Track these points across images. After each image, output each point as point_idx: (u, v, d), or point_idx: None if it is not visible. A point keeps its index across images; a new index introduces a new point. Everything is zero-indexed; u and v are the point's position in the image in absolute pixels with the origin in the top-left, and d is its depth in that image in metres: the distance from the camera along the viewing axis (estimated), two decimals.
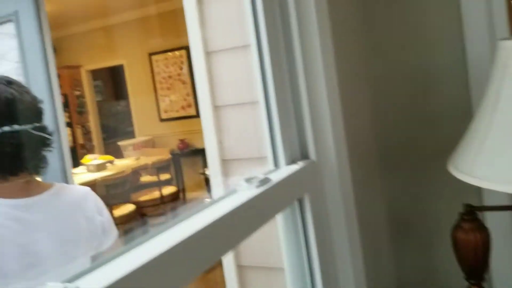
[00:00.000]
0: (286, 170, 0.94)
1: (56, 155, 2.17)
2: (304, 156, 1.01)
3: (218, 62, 1.57)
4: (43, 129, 1.15)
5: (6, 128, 1.05)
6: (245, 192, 0.81)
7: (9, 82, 1.12)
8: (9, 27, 2.20)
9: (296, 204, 0.96)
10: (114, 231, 1.28)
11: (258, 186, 0.82)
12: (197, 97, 5.78)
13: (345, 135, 1.05)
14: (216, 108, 1.61)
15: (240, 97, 1.50)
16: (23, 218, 1.07)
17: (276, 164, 0.98)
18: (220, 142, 1.62)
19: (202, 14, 1.57)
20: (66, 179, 2.25)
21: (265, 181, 0.84)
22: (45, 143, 1.15)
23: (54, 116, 2.19)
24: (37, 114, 1.16)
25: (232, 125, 1.58)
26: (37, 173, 1.16)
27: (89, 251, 1.20)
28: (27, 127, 1.09)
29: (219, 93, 1.59)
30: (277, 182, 0.86)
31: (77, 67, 7.20)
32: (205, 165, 6.34)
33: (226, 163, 1.62)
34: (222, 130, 1.61)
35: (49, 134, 1.17)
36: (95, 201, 1.25)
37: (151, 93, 6.71)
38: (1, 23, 2.24)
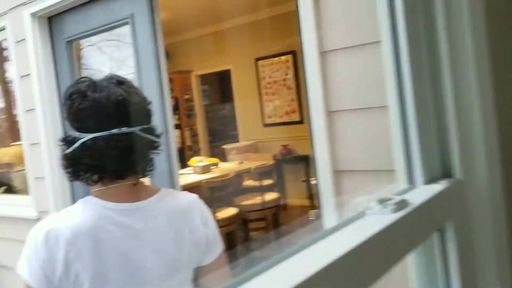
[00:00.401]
0: (425, 191, 0.76)
1: (164, 156, 2.19)
2: (446, 173, 0.83)
3: (335, 63, 1.42)
4: (151, 131, 1.11)
5: (115, 130, 1.02)
6: (378, 217, 0.65)
7: (119, 82, 1.08)
8: (127, 34, 2.26)
9: (435, 235, 0.78)
10: (219, 245, 1.19)
11: (394, 211, 0.66)
12: (301, 103, 5.65)
13: (499, 148, 0.84)
14: (329, 113, 1.46)
15: (361, 101, 1.34)
16: (126, 223, 1.04)
17: (412, 182, 0.81)
18: (333, 151, 1.47)
19: (319, 12, 1.44)
20: (172, 180, 2.26)
21: (402, 204, 0.68)
22: (153, 145, 1.10)
23: (164, 118, 2.21)
24: (146, 115, 1.12)
25: (348, 133, 1.42)
26: (144, 176, 1.12)
27: (191, 264, 1.13)
28: (135, 128, 1.05)
29: (334, 97, 1.44)
30: (417, 206, 0.69)
31: (188, 72, 7.49)
32: (307, 172, 6.20)
33: (338, 174, 1.47)
34: (335, 138, 1.46)
35: (157, 136, 1.12)
36: (201, 211, 1.17)
37: (255, 98, 6.74)
38: (118, 26, 2.32)
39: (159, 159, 2.22)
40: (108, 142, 1.01)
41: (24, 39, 2.64)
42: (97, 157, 1.03)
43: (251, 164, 4.88)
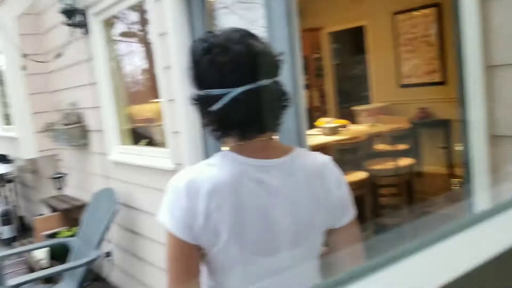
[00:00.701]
0: None
1: (292, 115, 2.11)
2: None
3: (501, 7, 1.17)
4: (281, 85, 1.07)
5: (251, 85, 0.99)
6: None
7: (250, 34, 1.04)
8: None
9: None
10: (352, 209, 1.15)
11: None
12: (445, 62, 5.09)
13: None
14: (488, 68, 1.22)
15: None
16: (263, 180, 1.03)
17: None
18: (491, 112, 1.24)
19: None
20: (300, 140, 2.18)
21: None
22: (284, 99, 1.08)
23: (294, 78, 2.12)
24: (277, 68, 1.07)
25: None
26: (275, 131, 1.09)
27: (324, 226, 1.11)
28: (268, 82, 1.02)
29: (497, 50, 1.20)
30: None
31: (318, 29, 7.27)
32: (448, 138, 5.69)
33: (496, 140, 1.24)
34: (495, 96, 1.22)
35: (287, 91, 1.08)
36: (335, 173, 1.13)
37: (392, 56, 6.30)
38: None
39: (288, 118, 2.15)
40: (251, 96, 0.99)
41: None
42: (243, 112, 1.01)
43: (384, 127, 4.60)
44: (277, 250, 1.04)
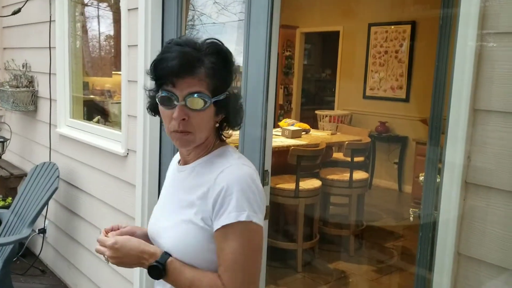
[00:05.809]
0: None
1: (260, 111, 2.03)
2: None
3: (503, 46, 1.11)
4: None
5: None
6: None
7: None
8: None
9: None
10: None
11: None
12: (411, 79, 5.11)
13: None
14: (476, 112, 1.16)
15: None
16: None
17: None
18: (469, 158, 1.18)
19: None
20: (264, 144, 2.08)
21: None
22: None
23: (267, 76, 2.01)
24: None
25: (499, 140, 1.12)
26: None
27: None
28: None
29: (489, 93, 1.14)
30: None
31: (293, 27, 7.19)
32: (402, 154, 5.79)
33: (470, 188, 1.19)
34: (476, 142, 1.17)
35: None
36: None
37: (361, 66, 6.32)
38: None
39: (256, 113, 2.02)
40: None
41: None
42: None
43: (344, 137, 4.58)
44: None
